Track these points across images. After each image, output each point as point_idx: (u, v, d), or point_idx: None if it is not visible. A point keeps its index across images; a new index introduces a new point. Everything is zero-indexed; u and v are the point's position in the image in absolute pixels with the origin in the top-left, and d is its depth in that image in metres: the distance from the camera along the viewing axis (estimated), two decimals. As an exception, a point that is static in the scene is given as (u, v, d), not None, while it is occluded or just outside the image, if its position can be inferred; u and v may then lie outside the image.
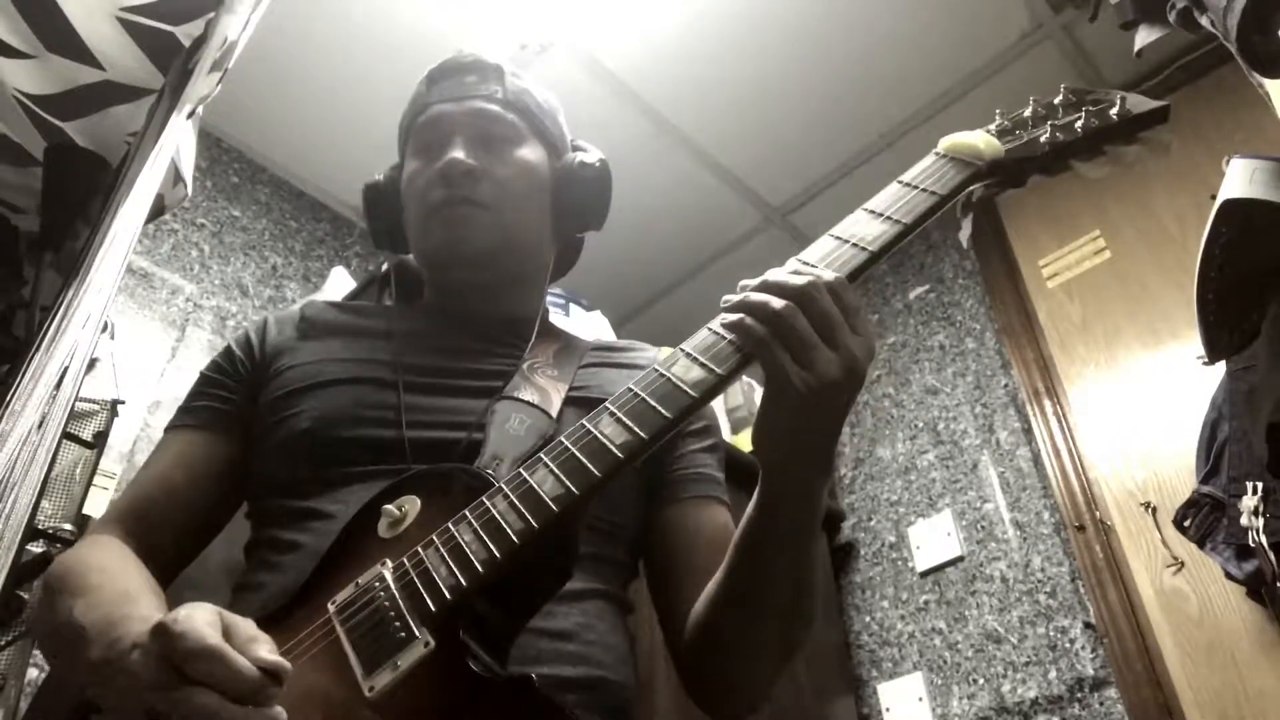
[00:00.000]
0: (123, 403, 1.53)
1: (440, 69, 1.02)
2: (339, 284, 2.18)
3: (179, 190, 1.37)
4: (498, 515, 0.61)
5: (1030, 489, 2.13)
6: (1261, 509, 1.39)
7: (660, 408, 0.64)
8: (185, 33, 1.23)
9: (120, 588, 0.69)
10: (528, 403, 0.83)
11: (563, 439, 0.65)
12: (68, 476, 1.41)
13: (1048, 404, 2.20)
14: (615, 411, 0.65)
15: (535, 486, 0.62)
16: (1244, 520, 1.41)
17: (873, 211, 0.75)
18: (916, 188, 0.77)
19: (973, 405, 2.34)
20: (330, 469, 0.80)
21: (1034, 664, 1.93)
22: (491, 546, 0.60)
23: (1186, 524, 1.63)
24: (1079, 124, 0.81)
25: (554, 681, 0.70)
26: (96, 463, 1.46)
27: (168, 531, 0.83)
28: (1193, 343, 1.49)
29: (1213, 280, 1.17)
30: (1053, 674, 1.89)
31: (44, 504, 1.34)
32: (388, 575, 0.62)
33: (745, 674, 0.77)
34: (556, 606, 0.65)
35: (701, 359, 0.66)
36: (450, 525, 0.63)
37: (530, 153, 0.99)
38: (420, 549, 0.62)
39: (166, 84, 1.25)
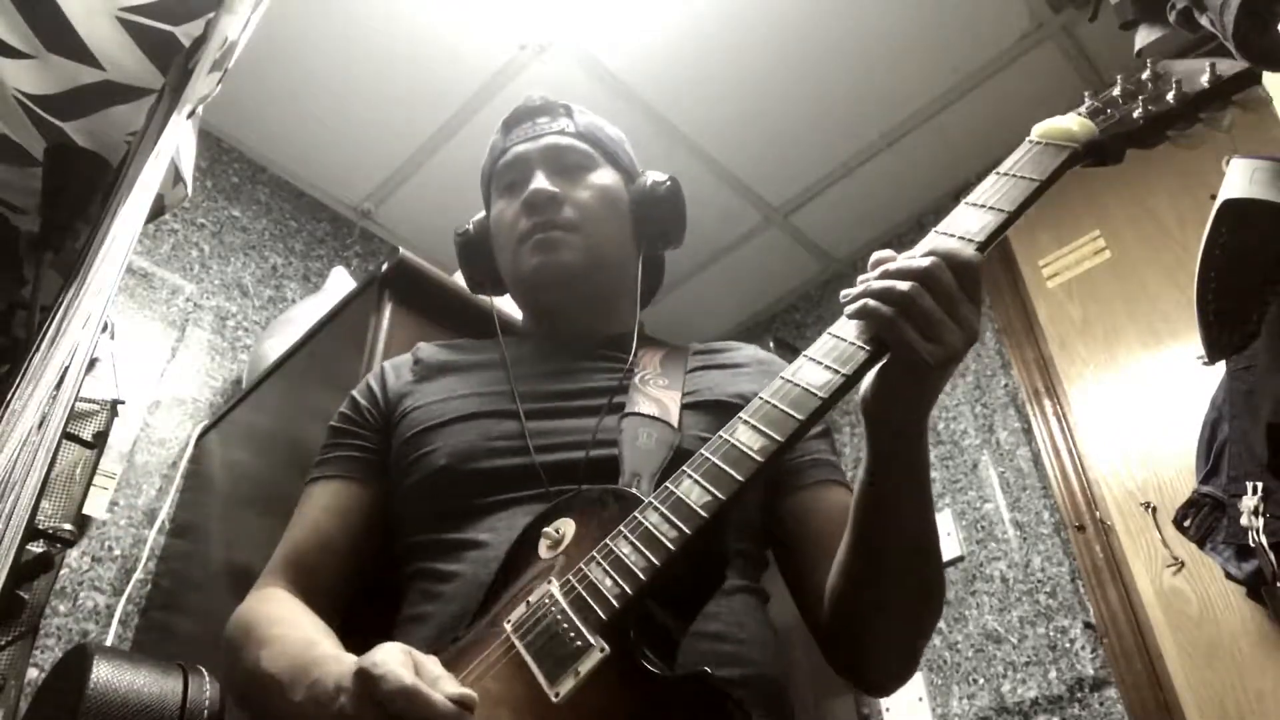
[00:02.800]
0: (123, 403, 1.53)
1: (513, 115, 1.11)
2: (339, 284, 2.17)
3: (179, 190, 1.37)
4: (651, 527, 0.65)
5: (1030, 489, 2.13)
6: (1261, 509, 1.39)
7: (792, 411, 0.67)
8: (185, 33, 1.23)
9: (300, 635, 0.77)
10: (650, 416, 0.88)
11: (703, 451, 0.69)
12: (68, 476, 1.41)
13: (1048, 404, 2.20)
14: (750, 420, 0.69)
15: (683, 497, 0.66)
16: (1244, 520, 1.41)
17: (974, 204, 0.76)
18: (1015, 176, 0.77)
19: (973, 405, 2.34)
20: (472, 500, 0.85)
21: (1034, 664, 1.93)
22: (650, 555, 0.64)
23: (1186, 524, 1.63)
24: (1171, 95, 0.81)
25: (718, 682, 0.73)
26: (96, 463, 1.46)
27: (326, 578, 0.89)
28: (1193, 343, 1.49)
29: (1213, 280, 1.17)
30: (1053, 674, 1.89)
31: (44, 504, 1.34)
32: (556, 591, 0.66)
33: (888, 633, 0.80)
34: (709, 610, 0.69)
35: (826, 362, 0.69)
36: (608, 541, 0.67)
37: (605, 176, 1.06)
38: (583, 565, 0.67)
39: (166, 84, 1.25)
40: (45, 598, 1.36)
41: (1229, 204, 1.11)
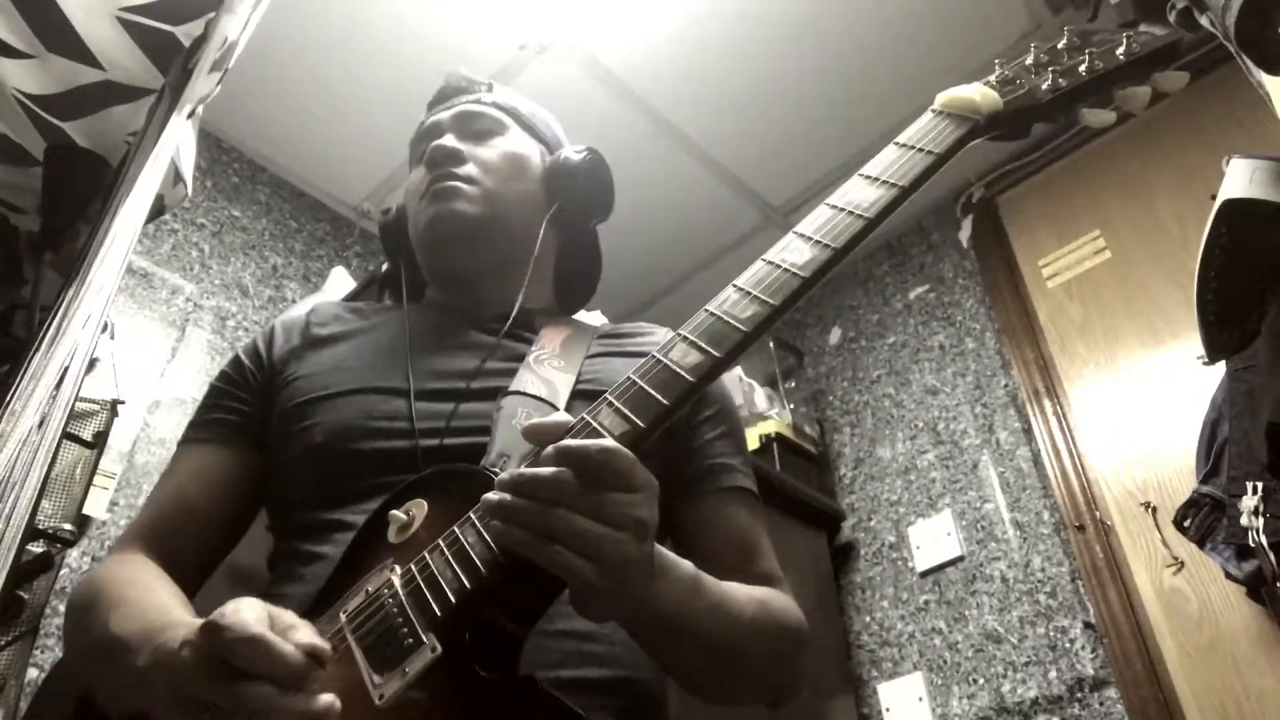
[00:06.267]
0: (123, 403, 1.53)
1: (436, 94, 1.09)
2: (339, 284, 2.18)
3: (179, 190, 1.37)
4: None
5: (1030, 489, 2.13)
6: (1261, 509, 1.39)
7: (659, 395, 0.62)
8: (185, 33, 1.23)
9: (154, 600, 0.71)
10: (535, 397, 0.82)
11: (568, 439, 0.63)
12: (68, 476, 1.41)
13: (1048, 404, 2.20)
14: (614, 402, 0.63)
15: None
16: (1244, 520, 1.41)
17: (869, 176, 0.74)
18: (913, 148, 0.75)
19: (973, 405, 2.34)
20: (348, 481, 0.80)
21: (1034, 664, 1.93)
22: (495, 546, 0.58)
23: (1186, 524, 1.63)
24: (1083, 67, 0.77)
25: (576, 684, 0.70)
26: (96, 463, 1.46)
27: (188, 547, 0.84)
28: (1193, 343, 1.49)
29: (1213, 280, 1.16)
30: (1053, 674, 1.89)
31: (44, 504, 1.34)
32: (396, 581, 0.61)
33: (728, 699, 0.79)
34: None
35: (700, 341, 0.64)
36: (455, 527, 0.62)
37: (515, 141, 1.03)
38: (426, 553, 0.62)
39: (166, 84, 1.25)
40: (45, 598, 1.36)
41: (1229, 204, 1.10)
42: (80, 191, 1.33)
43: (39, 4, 1.16)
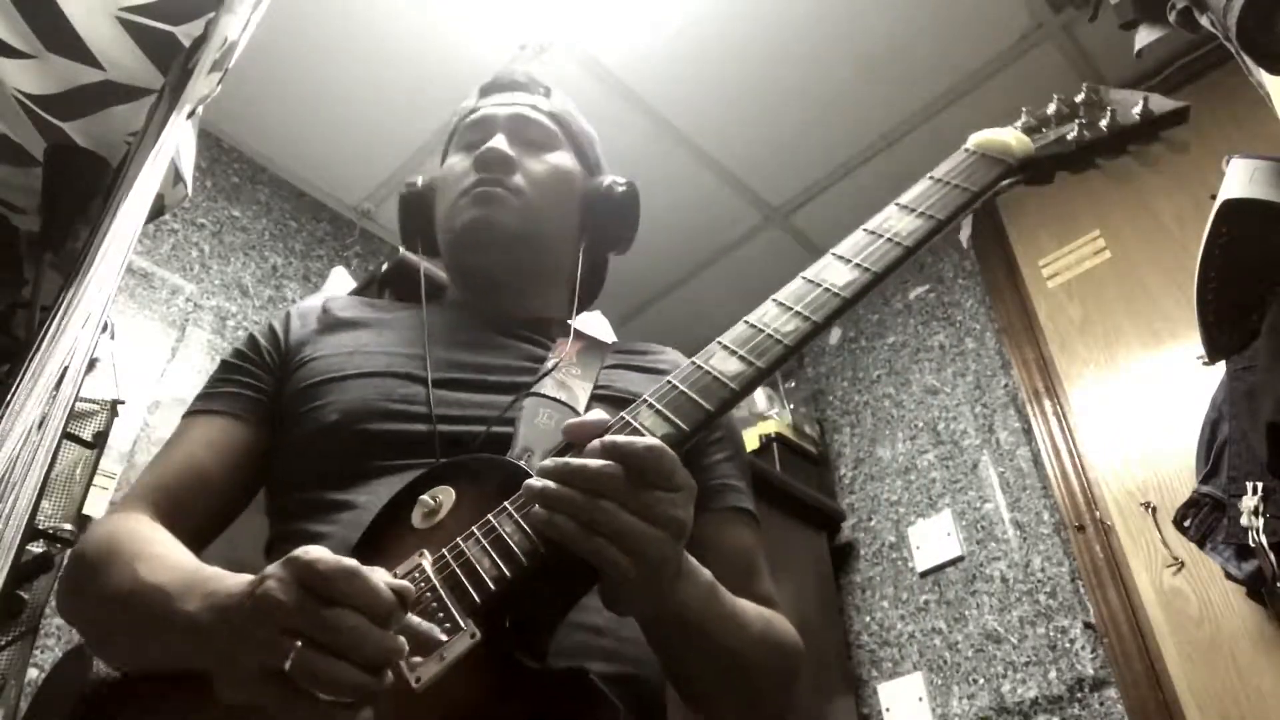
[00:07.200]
0: (123, 403, 1.53)
1: (493, 82, 1.08)
2: (339, 284, 2.17)
3: (179, 190, 1.37)
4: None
5: (1030, 489, 2.13)
6: (1261, 509, 1.39)
7: (701, 400, 0.64)
8: (185, 33, 1.23)
9: (180, 556, 0.70)
10: (555, 399, 0.83)
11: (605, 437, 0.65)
12: (68, 476, 1.41)
13: (1048, 404, 2.20)
14: (654, 404, 0.65)
15: None
16: (1244, 520, 1.41)
17: (905, 207, 0.76)
18: (948, 184, 0.78)
19: (973, 405, 2.34)
20: (359, 462, 0.80)
21: (1034, 664, 1.93)
22: (535, 537, 0.60)
23: (1186, 524, 1.63)
24: (1104, 123, 0.82)
25: None
26: (96, 463, 1.46)
27: (194, 514, 0.82)
28: (1193, 343, 1.49)
29: (1213, 280, 1.16)
30: (1053, 674, 1.89)
31: (44, 504, 1.34)
32: (427, 566, 0.61)
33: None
34: (590, 600, 0.64)
35: (740, 351, 0.67)
36: (491, 517, 0.62)
37: (564, 159, 1.03)
38: (460, 540, 0.62)
39: (166, 84, 1.25)
40: (45, 598, 1.35)
41: (1229, 204, 1.11)
42: (80, 191, 1.33)
43: (39, 4, 1.16)
